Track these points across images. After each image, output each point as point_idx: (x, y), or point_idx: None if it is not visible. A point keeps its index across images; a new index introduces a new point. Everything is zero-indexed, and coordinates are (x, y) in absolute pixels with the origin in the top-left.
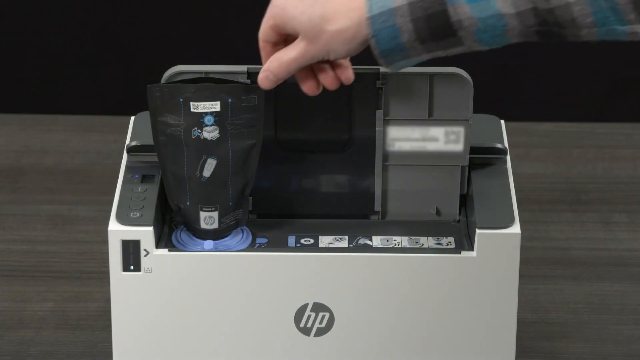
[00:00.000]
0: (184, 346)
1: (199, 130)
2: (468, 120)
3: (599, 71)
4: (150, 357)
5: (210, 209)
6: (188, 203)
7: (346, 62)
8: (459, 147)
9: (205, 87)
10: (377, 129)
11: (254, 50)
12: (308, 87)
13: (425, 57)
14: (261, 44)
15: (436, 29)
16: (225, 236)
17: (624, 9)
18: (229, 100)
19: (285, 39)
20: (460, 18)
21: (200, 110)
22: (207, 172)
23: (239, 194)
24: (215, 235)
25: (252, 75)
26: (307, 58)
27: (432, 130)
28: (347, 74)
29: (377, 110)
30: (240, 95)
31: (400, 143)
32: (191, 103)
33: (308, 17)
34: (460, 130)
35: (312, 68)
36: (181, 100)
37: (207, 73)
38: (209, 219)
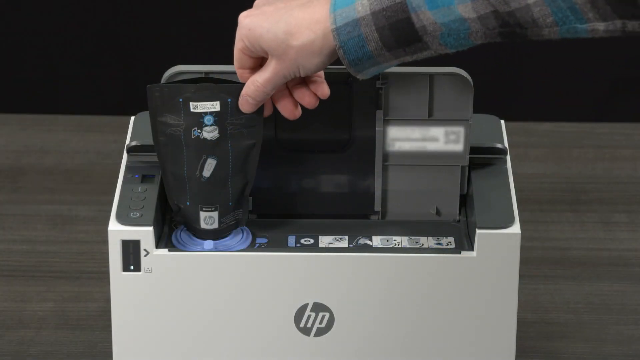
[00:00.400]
0: (184, 346)
1: (199, 130)
2: (468, 120)
3: (599, 71)
4: (150, 357)
5: (210, 209)
6: (188, 203)
7: (320, 78)
8: (459, 147)
9: (205, 87)
10: (377, 129)
11: None
12: (285, 109)
13: (394, 62)
14: (239, 72)
15: (401, 36)
16: (225, 236)
17: (582, 8)
18: (229, 100)
19: (260, 62)
20: (424, 24)
21: (200, 110)
22: (207, 172)
23: (239, 194)
24: (215, 235)
25: None
26: (279, 77)
27: (432, 130)
28: (323, 89)
29: (377, 110)
30: (239, 95)
31: (400, 143)
32: (191, 103)
33: (274, 35)
34: (460, 130)
35: (288, 89)
36: (181, 100)
37: (207, 73)
38: (209, 219)
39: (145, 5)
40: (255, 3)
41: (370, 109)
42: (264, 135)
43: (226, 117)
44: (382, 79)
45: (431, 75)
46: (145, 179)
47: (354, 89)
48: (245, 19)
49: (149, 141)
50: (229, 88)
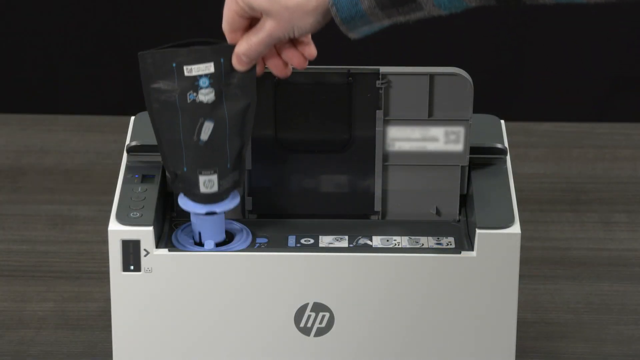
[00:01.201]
0: (184, 346)
1: (195, 94)
2: (468, 120)
3: (599, 71)
4: (150, 357)
5: (209, 173)
6: (185, 169)
7: (307, 39)
8: (459, 147)
9: (198, 49)
10: (377, 129)
11: None
12: (276, 68)
13: (386, 22)
14: (230, 36)
15: None
16: (224, 199)
17: None
18: (222, 60)
19: (251, 23)
20: None
21: (194, 73)
22: (204, 135)
23: (237, 155)
24: (215, 198)
25: None
26: (274, 37)
27: (432, 130)
28: (310, 50)
29: (377, 110)
30: (231, 54)
31: (400, 143)
32: (185, 67)
33: None
34: (460, 130)
35: (277, 50)
36: (174, 65)
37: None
38: (208, 183)
39: (145, 5)
40: None
41: (370, 109)
42: (264, 135)
43: (220, 78)
44: (382, 79)
45: (431, 76)
46: (145, 179)
47: (354, 89)
48: None
49: (149, 141)
50: (221, 48)
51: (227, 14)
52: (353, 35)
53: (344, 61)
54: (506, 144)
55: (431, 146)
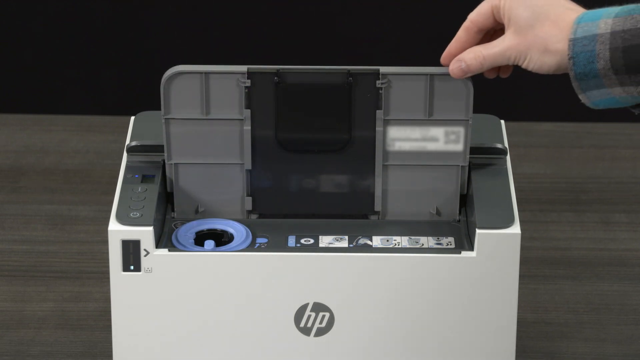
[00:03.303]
0: (184, 346)
1: None
2: (468, 120)
3: None
4: (150, 357)
5: None
6: None
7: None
8: (458, 147)
9: None
10: (377, 129)
11: (253, 50)
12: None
13: (618, 91)
14: (467, 23)
15: (631, 62)
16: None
17: None
18: None
19: (493, 29)
20: None
21: None
22: None
23: None
24: None
25: (252, 75)
26: (505, 56)
27: (432, 130)
28: (507, 71)
29: (377, 110)
30: None
31: (400, 143)
32: None
33: (531, 11)
34: (460, 130)
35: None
36: None
37: (206, 73)
38: None
39: (145, 5)
40: None
41: (370, 109)
42: (264, 135)
43: None
44: (382, 79)
45: (431, 76)
46: (145, 179)
47: (353, 89)
48: None
49: (149, 141)
50: None
51: (483, 5)
52: (584, 98)
53: (344, 61)
54: (506, 144)
55: (431, 146)
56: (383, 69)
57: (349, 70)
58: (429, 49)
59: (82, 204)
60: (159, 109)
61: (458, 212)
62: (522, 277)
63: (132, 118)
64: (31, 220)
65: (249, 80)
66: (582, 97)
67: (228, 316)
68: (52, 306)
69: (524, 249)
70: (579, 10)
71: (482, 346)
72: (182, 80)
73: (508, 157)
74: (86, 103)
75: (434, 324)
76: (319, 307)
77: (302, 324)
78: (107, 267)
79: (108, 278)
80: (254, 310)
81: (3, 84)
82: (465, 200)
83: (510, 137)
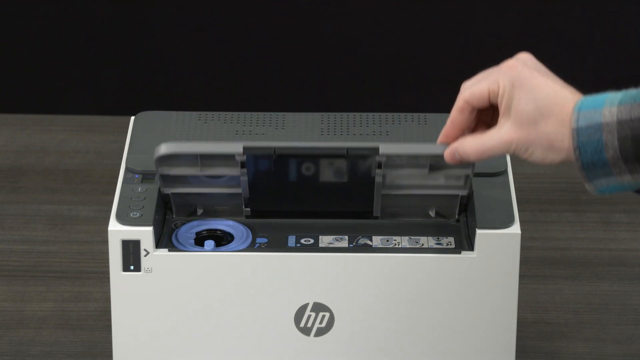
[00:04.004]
0: (184, 346)
1: None
2: (469, 175)
3: (599, 71)
4: (150, 357)
5: None
6: None
7: None
8: (461, 191)
9: None
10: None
11: (253, 50)
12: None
13: (628, 178)
14: (461, 103)
15: None
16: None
17: None
18: None
19: (487, 110)
20: None
21: None
22: None
23: None
24: None
25: (248, 150)
26: (505, 148)
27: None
28: None
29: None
30: None
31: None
32: None
33: (545, 94)
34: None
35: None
36: None
37: (201, 155)
38: None
39: (145, 5)
40: (520, 56)
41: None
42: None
43: None
44: (380, 156)
45: (432, 157)
46: (145, 179)
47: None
48: (525, 55)
49: (149, 141)
50: None
51: (480, 86)
52: (590, 186)
53: (344, 61)
54: None
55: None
56: (383, 148)
57: (347, 149)
58: (429, 49)
59: (82, 204)
60: (159, 108)
61: (458, 212)
62: (522, 277)
63: (132, 118)
64: (31, 220)
65: (244, 156)
66: (589, 186)
67: (228, 316)
68: (52, 306)
69: (524, 249)
70: (578, 95)
71: (482, 346)
72: (176, 160)
73: (508, 157)
74: (86, 103)
75: (434, 324)
76: (319, 307)
77: (302, 324)
78: (107, 267)
79: (108, 278)
80: (254, 310)
81: (3, 84)
82: (465, 201)
83: None
